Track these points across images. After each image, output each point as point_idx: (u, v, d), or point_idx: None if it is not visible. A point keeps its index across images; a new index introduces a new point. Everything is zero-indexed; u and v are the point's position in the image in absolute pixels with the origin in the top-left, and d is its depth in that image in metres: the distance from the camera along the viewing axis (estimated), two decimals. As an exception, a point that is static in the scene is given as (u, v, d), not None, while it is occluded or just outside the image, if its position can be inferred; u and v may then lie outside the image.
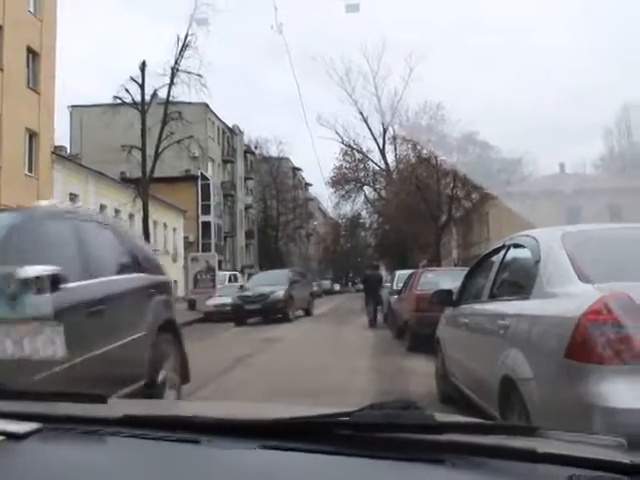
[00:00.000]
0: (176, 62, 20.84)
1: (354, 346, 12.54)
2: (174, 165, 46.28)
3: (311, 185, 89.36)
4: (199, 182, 46.43)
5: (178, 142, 22.42)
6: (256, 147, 69.07)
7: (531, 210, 38.46)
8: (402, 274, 17.01)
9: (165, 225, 40.09)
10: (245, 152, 61.49)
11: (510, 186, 41.49)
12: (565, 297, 3.39)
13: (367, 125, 44.85)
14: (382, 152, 45.40)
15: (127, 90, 20.66)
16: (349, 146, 45.77)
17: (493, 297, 4.61)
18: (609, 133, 57.31)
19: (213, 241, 46.20)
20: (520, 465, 1.15)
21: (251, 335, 16.35)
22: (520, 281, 4.18)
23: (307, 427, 1.28)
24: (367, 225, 70.52)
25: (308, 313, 23.04)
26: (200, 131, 48.80)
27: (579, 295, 3.22)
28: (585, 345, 2.96)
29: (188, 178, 46.38)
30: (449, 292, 6.13)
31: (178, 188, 44.72)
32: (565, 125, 72.87)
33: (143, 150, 21.00)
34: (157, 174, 45.96)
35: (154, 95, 20.95)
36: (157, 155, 20.94)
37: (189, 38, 20.88)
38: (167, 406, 2.58)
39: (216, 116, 53.01)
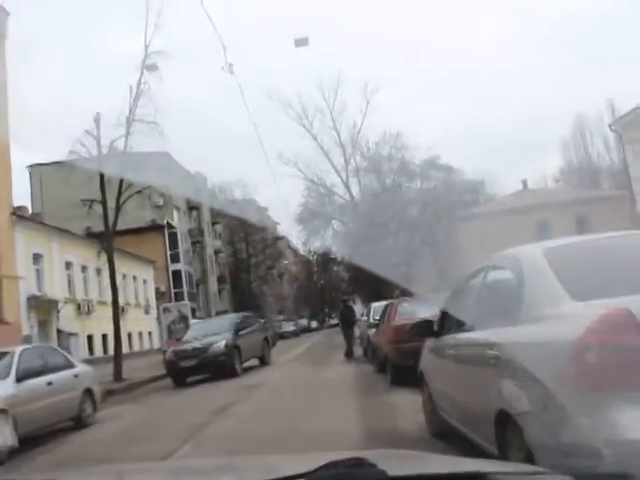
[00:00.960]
0: (130, 111, 20.45)
1: (336, 385, 12.13)
2: (139, 216, 45.71)
3: (279, 224, 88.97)
4: (166, 231, 45.90)
5: (139, 192, 21.94)
6: (220, 191, 68.85)
7: (500, 228, 38.73)
8: (377, 306, 16.72)
9: (135, 277, 39.38)
10: (210, 196, 61.17)
11: (477, 207, 41.79)
12: (558, 319, 3.10)
13: (328, 159, 45.07)
14: (346, 185, 45.50)
15: (82, 144, 20.21)
16: (312, 181, 45.83)
17: (478, 325, 4.30)
18: (566, 146, 58.20)
19: (185, 289, 45.54)
20: None
21: (223, 386, 15.12)
22: (505, 305, 3.88)
23: None
24: (338, 259, 70.54)
25: (264, 362, 19.83)
26: (163, 180, 48.54)
27: (575, 315, 2.93)
28: (589, 370, 2.66)
29: (154, 228, 45.83)
30: (429, 322, 5.81)
31: (145, 239, 44.11)
32: (523, 142, 74.02)
33: (104, 204, 20.48)
34: (122, 226, 45.30)
35: (111, 146, 20.50)
36: (118, 207, 20.42)
37: (142, 87, 20.54)
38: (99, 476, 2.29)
39: (178, 164, 52.71)
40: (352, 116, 46.97)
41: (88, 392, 10.96)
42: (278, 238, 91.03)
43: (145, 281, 40.43)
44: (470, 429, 4.51)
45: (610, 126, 38.93)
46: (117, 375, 18.94)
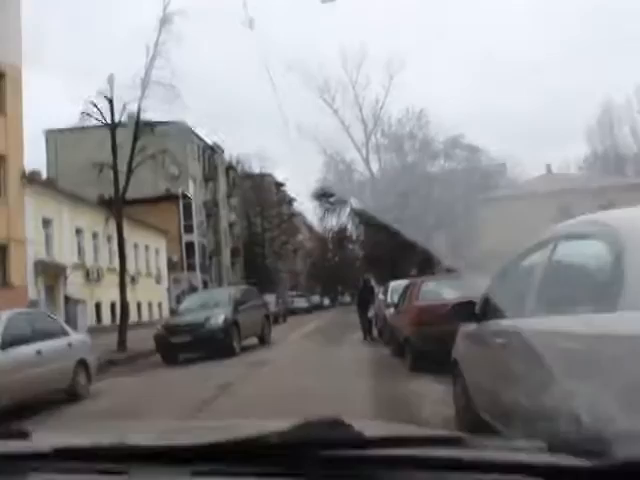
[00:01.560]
0: (146, 73, 19.47)
1: (349, 368, 11.20)
2: (154, 186, 45.08)
3: (295, 200, 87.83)
4: (180, 201, 45.07)
5: (152, 157, 20.99)
6: (238, 163, 67.92)
7: (521, 212, 37.60)
8: (396, 285, 15.76)
9: (147, 247, 38.69)
10: (227, 169, 60.24)
11: (498, 190, 40.57)
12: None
13: (349, 135, 43.67)
14: (366, 162, 44.25)
15: (95, 105, 19.25)
16: (331, 157, 44.59)
17: (547, 310, 3.31)
18: (592, 133, 56.55)
19: (197, 261, 44.82)
20: (447, 474, 1.18)
21: (224, 363, 13.87)
22: (592, 286, 2.91)
23: (238, 449, 1.28)
24: (354, 238, 69.66)
25: (263, 341, 18.04)
26: (179, 149, 47.65)
27: None
28: None
29: (169, 198, 45.02)
30: (471, 304, 4.84)
31: (159, 209, 43.37)
32: (548, 128, 72.14)
33: (115, 168, 19.55)
34: (137, 195, 44.85)
35: (124, 110, 19.55)
36: (130, 172, 19.49)
37: (159, 47, 19.53)
38: (100, 432, 2.22)
39: (195, 134, 51.76)
40: (375, 92, 45.57)
41: (82, 363, 10.14)
42: (294, 214, 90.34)
43: (157, 251, 39.72)
44: (520, 435, 3.55)
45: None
46: (121, 345, 18.12)
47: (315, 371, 10.83)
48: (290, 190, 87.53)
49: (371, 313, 18.09)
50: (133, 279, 35.87)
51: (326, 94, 43.59)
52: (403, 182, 43.52)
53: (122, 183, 19.58)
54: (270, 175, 75.25)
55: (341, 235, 78.94)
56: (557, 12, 77.50)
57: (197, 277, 29.97)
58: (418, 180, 41.78)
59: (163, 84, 19.78)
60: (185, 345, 15.06)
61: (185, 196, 45.41)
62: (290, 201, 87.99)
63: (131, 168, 19.52)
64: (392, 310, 14.00)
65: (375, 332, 17.81)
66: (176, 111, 21.49)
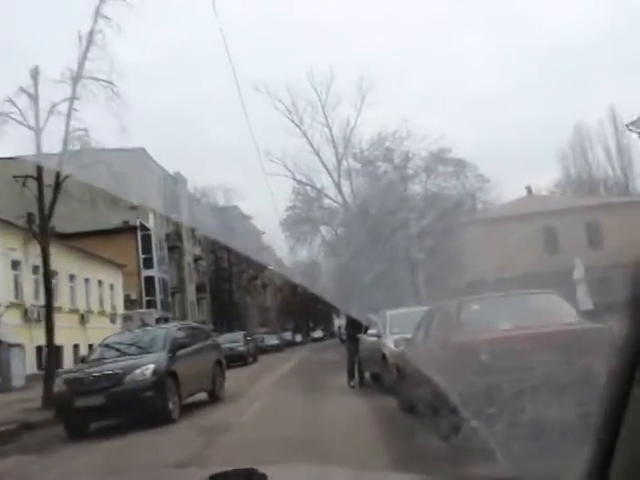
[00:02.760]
0: (79, 65, 15.74)
1: (351, 434, 7.33)
2: (109, 217, 40.95)
3: (264, 233, 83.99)
4: (139, 233, 40.94)
5: (84, 167, 17.01)
6: (202, 196, 64.00)
7: (504, 235, 34.36)
8: (396, 315, 12.04)
9: (100, 282, 34.41)
10: (190, 201, 56.26)
11: (477, 213, 37.38)
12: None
13: (319, 158, 40.27)
14: (338, 186, 40.76)
15: (14, 104, 15.41)
16: (301, 182, 41.04)
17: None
18: (564, 156, 54.32)
19: (158, 297, 40.54)
20: None
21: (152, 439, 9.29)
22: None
23: None
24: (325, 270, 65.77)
25: (214, 395, 13.56)
26: (137, 178, 43.68)
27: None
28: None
29: (125, 230, 40.93)
30: None
31: (115, 241, 39.25)
32: (520, 153, 69.76)
33: (39, 180, 15.65)
34: (91, 227, 40.81)
35: (52, 110, 15.70)
36: (58, 185, 15.59)
37: (95, 35, 15.84)
38: None
39: (154, 161, 47.90)
40: (346, 112, 42.48)
41: None
42: (263, 248, 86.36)
43: (112, 286, 35.43)
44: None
45: (628, 126, 34.62)
46: (47, 400, 13.80)
47: (300, 447, 6.86)
48: (258, 223, 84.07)
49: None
50: (83, 317, 31.62)
51: (294, 115, 40.27)
52: (377, 206, 40.19)
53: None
54: (236, 207, 71.48)
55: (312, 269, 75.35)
56: (525, 41, 75.60)
57: (151, 314, 25.91)
58: (394, 204, 38.41)
59: (99, 80, 16.08)
60: (95, 410, 10.40)
61: (144, 227, 41.29)
62: (258, 235, 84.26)
63: (59, 181, 15.59)
64: (392, 347, 10.33)
65: (367, 375, 13.99)
66: (117, 112, 16.93)
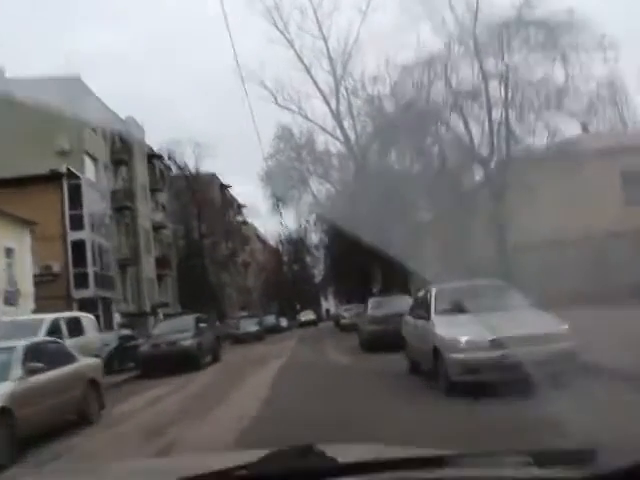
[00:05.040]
0: None
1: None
2: (36, 164, 29.45)
3: (245, 206, 72.54)
4: (64, 182, 29.33)
5: None
6: (170, 157, 52.34)
7: (573, 176, 23.32)
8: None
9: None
10: (150, 156, 44.57)
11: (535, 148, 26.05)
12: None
13: (311, 77, 28.56)
14: (336, 118, 29.15)
15: None
16: (285, 108, 29.32)
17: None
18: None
19: (91, 270, 28.97)
20: None
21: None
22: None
23: None
24: (314, 244, 54.35)
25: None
26: (70, 116, 32.08)
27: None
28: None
29: (47, 179, 29.35)
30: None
31: (32, 194, 27.73)
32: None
33: None
34: (9, 174, 29.50)
35: None
36: None
37: None
38: None
39: (97, 99, 36.20)
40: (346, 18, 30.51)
41: None
42: (243, 222, 74.98)
43: (10, 252, 23.75)
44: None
45: None
46: None
47: None
48: (239, 195, 72.80)
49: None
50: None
51: (278, 19, 28.51)
52: (389, 147, 28.86)
53: None
54: (213, 175, 59.93)
55: (297, 244, 64.24)
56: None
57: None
58: (412, 143, 27.08)
59: None
60: None
61: (73, 176, 29.65)
62: (239, 207, 72.73)
63: None
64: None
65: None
66: None
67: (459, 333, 6.84)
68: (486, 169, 25.11)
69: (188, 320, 18.53)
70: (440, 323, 7.42)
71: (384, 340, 14.79)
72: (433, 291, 8.20)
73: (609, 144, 26.19)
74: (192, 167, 52.25)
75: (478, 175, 27.39)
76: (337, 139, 29.39)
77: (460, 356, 6.61)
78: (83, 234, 28.88)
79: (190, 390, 12.84)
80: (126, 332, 22.05)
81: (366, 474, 1.15)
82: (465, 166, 26.76)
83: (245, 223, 75.13)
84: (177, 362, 16.00)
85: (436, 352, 7.08)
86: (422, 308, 8.51)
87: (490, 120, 24.67)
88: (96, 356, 15.24)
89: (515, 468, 1.15)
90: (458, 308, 7.76)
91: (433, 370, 7.41)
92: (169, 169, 52.02)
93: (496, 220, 24.57)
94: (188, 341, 16.67)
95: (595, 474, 1.04)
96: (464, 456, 1.31)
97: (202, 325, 18.17)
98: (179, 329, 17.36)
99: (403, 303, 16.91)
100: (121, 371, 17.99)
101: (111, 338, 19.02)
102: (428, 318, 7.79)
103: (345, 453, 1.38)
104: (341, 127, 29.01)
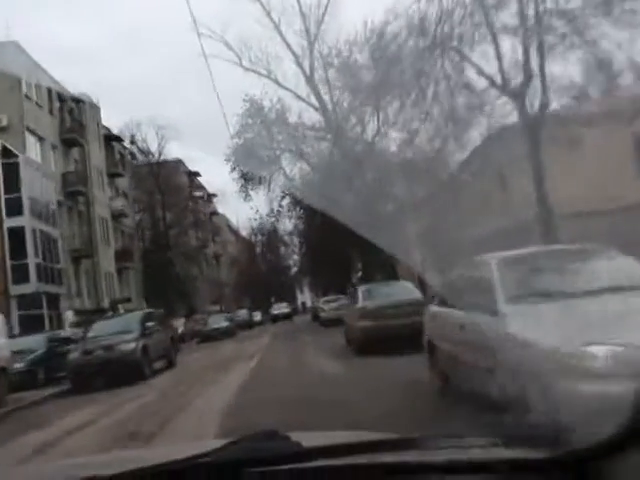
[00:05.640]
0: None
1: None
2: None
3: (216, 196, 68.63)
4: (-1, 161, 25.30)
5: None
6: (132, 142, 48.33)
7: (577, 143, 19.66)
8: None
9: None
10: (107, 137, 40.47)
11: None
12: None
13: (280, 35, 24.60)
14: (310, 83, 25.33)
15: None
16: (251, 71, 25.44)
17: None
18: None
19: (32, 262, 25.02)
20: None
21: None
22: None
23: (170, 474, 1.17)
24: (287, 231, 50.32)
25: None
26: (7, 87, 28.04)
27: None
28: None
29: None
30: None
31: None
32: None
33: None
34: None
35: None
36: None
37: None
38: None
39: (43, 70, 32.08)
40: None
41: None
42: (214, 213, 71.06)
43: None
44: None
45: None
46: None
47: None
48: (208, 184, 68.77)
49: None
50: None
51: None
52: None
53: None
54: (179, 161, 55.93)
55: (270, 233, 60.47)
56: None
57: None
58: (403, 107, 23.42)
59: None
60: None
61: (9, 153, 25.63)
62: (209, 196, 68.76)
63: None
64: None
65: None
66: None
67: (579, 339, 3.40)
68: (519, 104, 19.39)
69: (132, 318, 14.84)
70: (524, 321, 3.92)
71: (380, 339, 11.40)
72: (493, 263, 4.69)
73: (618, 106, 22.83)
74: (155, 151, 48.44)
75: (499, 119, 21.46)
76: (312, 105, 25.58)
77: (596, 388, 3.14)
78: (22, 220, 24.89)
79: (121, 414, 9.20)
80: (64, 334, 18.24)
81: (331, 458, 1.11)
82: (486, 104, 21.04)
83: (216, 213, 71.30)
84: (115, 371, 12.37)
85: (527, 378, 3.57)
86: (469, 293, 5.01)
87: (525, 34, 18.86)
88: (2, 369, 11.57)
89: (484, 450, 1.13)
90: (546, 292, 4.31)
91: (518, 408, 3.81)
92: (132, 154, 48.02)
93: (537, 174, 19.44)
94: (130, 344, 12.97)
95: (566, 452, 1.02)
96: (432, 438, 1.23)
97: (151, 324, 14.45)
98: (119, 330, 13.63)
99: (403, 291, 13.54)
100: (49, 383, 14.26)
101: (36, 342, 15.20)
102: (490, 310, 4.29)
103: (311, 439, 1.34)
104: (316, 93, 25.30)
